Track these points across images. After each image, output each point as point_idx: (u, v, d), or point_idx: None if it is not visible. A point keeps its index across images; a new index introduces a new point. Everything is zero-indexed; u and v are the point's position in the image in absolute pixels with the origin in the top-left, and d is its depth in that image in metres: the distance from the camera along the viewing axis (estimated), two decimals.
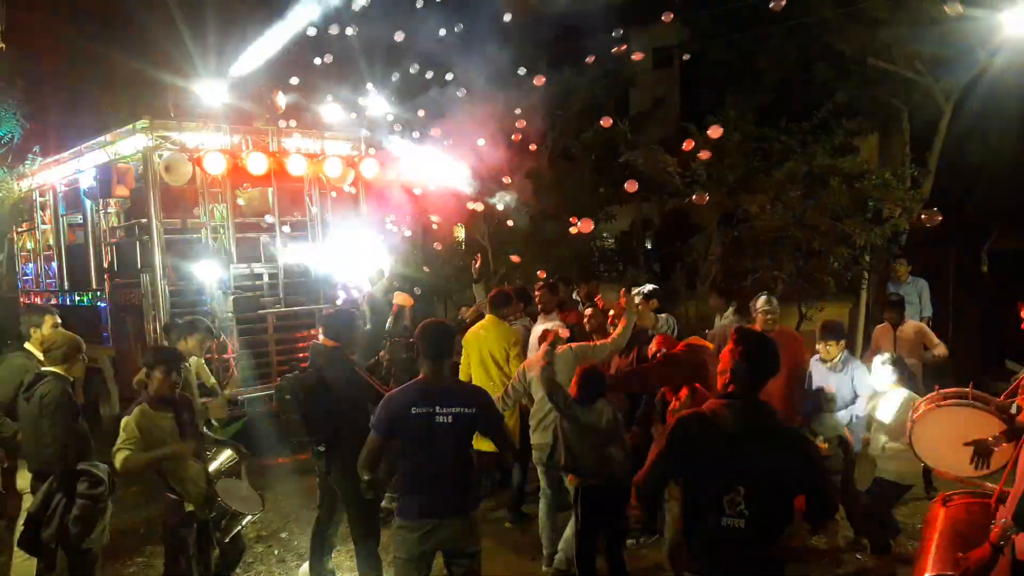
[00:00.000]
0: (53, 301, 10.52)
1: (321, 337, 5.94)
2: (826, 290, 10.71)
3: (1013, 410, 4.62)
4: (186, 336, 6.18)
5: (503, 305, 6.98)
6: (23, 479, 5.46)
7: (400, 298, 7.79)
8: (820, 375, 6.34)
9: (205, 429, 5.89)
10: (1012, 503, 3.49)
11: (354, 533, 5.34)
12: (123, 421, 4.78)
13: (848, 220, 10.22)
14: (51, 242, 11.22)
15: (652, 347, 6.05)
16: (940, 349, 7.55)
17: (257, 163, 8.74)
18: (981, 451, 4.54)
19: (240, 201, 9.95)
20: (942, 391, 5.16)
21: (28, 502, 5.18)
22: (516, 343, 6.90)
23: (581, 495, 5.27)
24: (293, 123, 9.36)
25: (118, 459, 4.68)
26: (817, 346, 6.37)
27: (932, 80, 11.10)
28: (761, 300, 6.60)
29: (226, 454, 5.53)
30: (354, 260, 9.16)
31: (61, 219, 10.89)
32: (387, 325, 7.75)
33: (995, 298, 10.99)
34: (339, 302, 9.17)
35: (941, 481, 5.76)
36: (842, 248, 10.35)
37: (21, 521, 5.07)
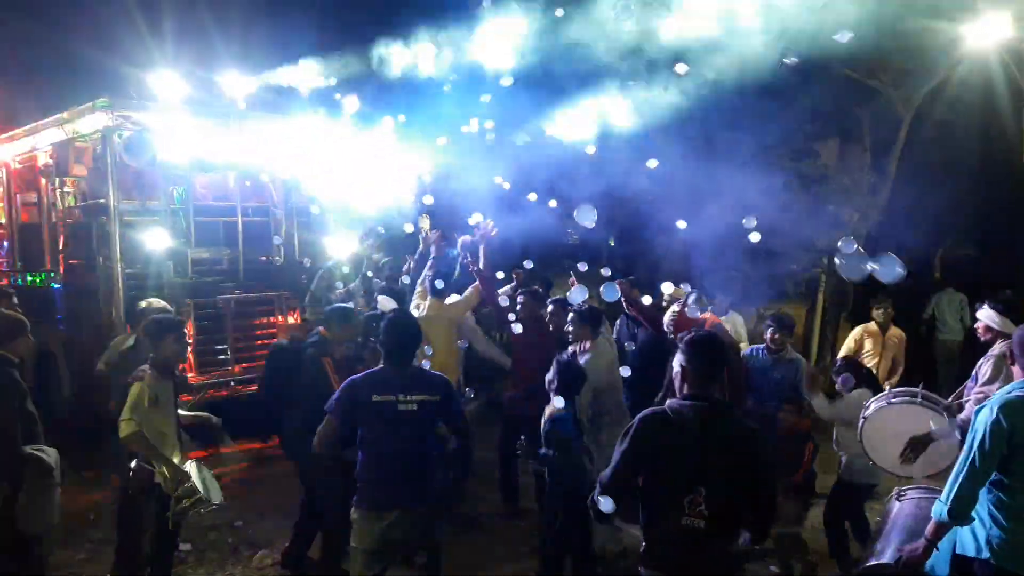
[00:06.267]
0: (3, 281, 10.27)
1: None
2: (784, 292, 10.88)
3: (963, 414, 4.76)
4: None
5: (443, 290, 7.23)
6: None
7: (384, 303, 7.74)
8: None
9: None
10: (945, 498, 3.62)
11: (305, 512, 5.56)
12: (132, 388, 4.78)
13: (807, 223, 10.38)
14: (3, 221, 10.94)
15: None
16: None
17: (218, 147, 8.61)
18: (915, 445, 4.67)
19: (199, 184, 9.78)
20: (893, 389, 5.29)
21: None
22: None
23: None
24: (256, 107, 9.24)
25: (123, 428, 4.70)
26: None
27: (893, 88, 11.29)
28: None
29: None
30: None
31: (15, 198, 10.62)
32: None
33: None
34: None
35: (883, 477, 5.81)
36: (800, 251, 10.52)
37: None
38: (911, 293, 11.83)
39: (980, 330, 5.23)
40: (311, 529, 5.73)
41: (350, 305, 6.33)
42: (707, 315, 6.59)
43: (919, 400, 5.01)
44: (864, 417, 5.22)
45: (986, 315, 5.17)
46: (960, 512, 3.59)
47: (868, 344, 7.47)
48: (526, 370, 6.72)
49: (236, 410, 7.43)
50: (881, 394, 5.36)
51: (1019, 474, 3.54)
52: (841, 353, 7.55)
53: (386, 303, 7.04)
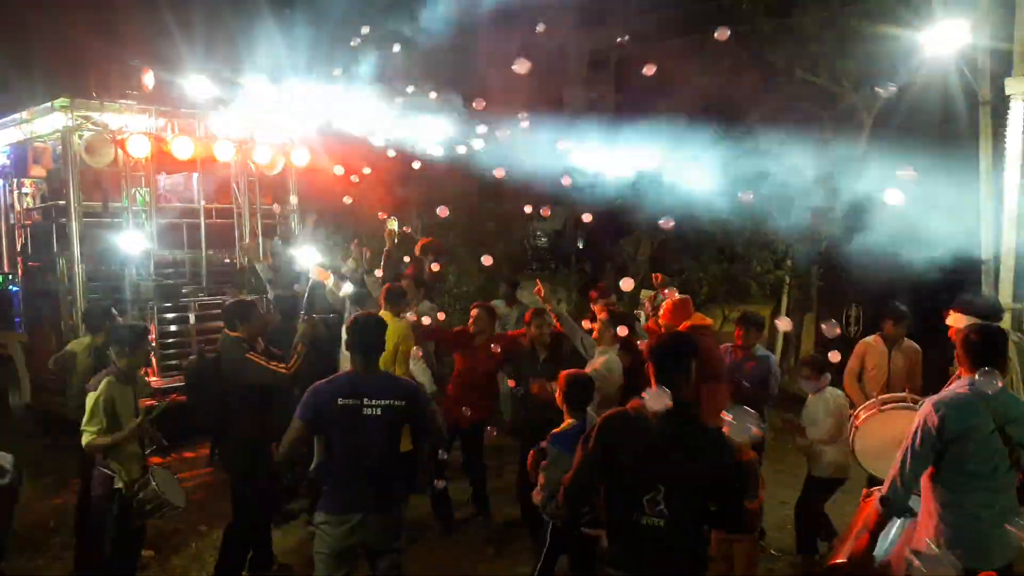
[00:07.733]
0: None
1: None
2: (748, 293, 11.02)
3: None
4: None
5: (399, 300, 6.75)
6: None
7: (318, 274, 7.47)
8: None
9: None
10: (885, 486, 3.74)
11: (233, 522, 5.43)
12: (89, 397, 4.74)
13: (771, 226, 10.52)
14: None
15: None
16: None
17: (182, 147, 8.52)
18: None
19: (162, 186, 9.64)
20: (881, 397, 5.33)
21: None
22: (407, 338, 6.67)
23: None
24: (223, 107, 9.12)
25: (84, 439, 4.71)
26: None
27: (854, 94, 11.47)
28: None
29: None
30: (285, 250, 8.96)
31: None
32: (303, 302, 7.53)
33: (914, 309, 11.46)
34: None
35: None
36: (765, 252, 10.65)
37: None
38: (880, 298, 12.05)
39: (952, 336, 5.28)
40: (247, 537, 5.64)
41: (246, 298, 6.13)
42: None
43: (908, 404, 5.05)
44: (855, 427, 5.22)
45: (953, 319, 5.23)
46: (894, 503, 3.70)
47: (870, 361, 6.54)
48: (462, 396, 6.37)
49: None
50: (870, 402, 5.38)
51: (954, 469, 3.64)
52: (847, 373, 7.03)
53: (319, 274, 6.91)
